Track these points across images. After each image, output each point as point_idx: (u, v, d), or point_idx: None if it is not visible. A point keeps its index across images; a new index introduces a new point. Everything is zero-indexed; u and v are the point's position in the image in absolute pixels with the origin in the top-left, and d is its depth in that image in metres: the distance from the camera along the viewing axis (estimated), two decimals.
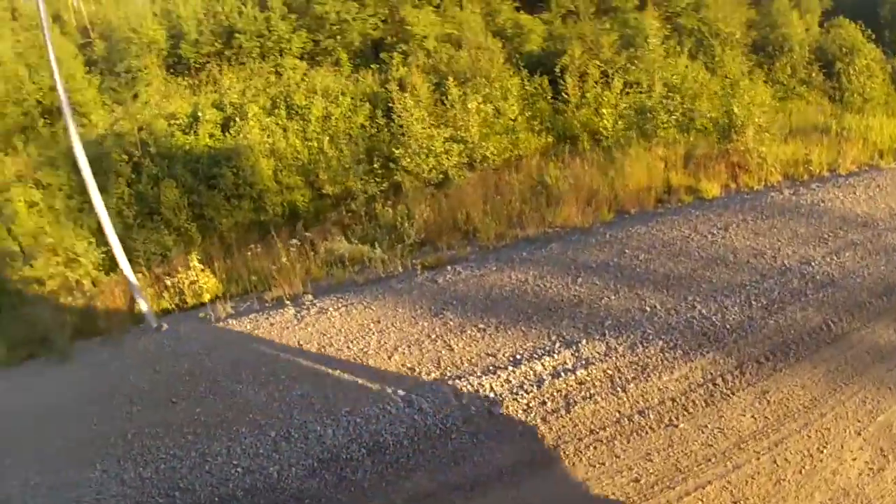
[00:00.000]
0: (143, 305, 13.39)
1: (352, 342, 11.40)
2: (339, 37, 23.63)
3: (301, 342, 11.56)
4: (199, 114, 20.38)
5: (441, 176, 17.05)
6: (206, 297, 14.06)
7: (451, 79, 18.88)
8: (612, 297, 11.90)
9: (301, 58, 23.78)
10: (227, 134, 19.64)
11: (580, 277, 12.55)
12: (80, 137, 13.61)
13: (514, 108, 18.99)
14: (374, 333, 11.54)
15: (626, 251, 13.28)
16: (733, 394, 9.57)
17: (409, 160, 17.04)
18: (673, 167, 16.44)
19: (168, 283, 14.43)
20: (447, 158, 17.19)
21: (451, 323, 11.57)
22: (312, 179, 18.48)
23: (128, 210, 17.19)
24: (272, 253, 14.83)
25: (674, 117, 18.67)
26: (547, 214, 15.07)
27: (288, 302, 12.98)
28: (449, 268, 13.52)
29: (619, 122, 18.38)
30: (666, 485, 8.18)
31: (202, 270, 14.41)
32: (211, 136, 20.01)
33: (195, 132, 20.05)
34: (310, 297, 13.17)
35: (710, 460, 8.47)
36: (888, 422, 8.82)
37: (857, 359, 10.12)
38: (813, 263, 12.55)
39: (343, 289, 13.35)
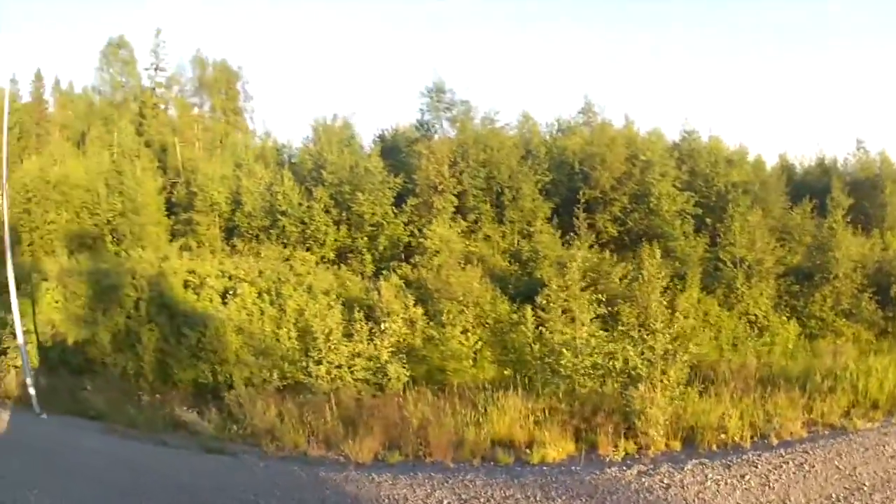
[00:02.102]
0: None
1: None
2: (369, 237, 24.33)
3: None
4: (208, 279, 21.53)
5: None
6: None
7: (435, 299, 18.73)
8: None
9: (336, 252, 24.86)
10: (224, 302, 20.40)
11: None
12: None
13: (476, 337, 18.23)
14: None
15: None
16: None
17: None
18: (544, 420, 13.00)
19: None
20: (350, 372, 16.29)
21: None
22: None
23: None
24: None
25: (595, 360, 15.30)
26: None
27: None
28: None
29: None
30: None
31: None
32: (210, 300, 20.88)
33: (197, 293, 21.18)
34: None
35: None
36: None
37: None
38: None
39: None
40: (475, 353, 18.26)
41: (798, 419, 12.87)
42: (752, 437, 12.27)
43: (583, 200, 23.71)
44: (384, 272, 22.09)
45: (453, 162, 24.96)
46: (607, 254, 21.39)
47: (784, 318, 20.75)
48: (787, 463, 10.40)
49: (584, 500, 9.43)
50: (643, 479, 10.13)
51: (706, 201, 25.41)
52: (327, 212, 25.31)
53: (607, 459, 11.67)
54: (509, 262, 22.29)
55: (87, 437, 14.38)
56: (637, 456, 11.80)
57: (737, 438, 12.13)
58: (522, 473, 10.94)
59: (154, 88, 40.49)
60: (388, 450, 12.39)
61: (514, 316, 18.42)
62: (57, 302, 22.20)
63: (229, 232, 27.98)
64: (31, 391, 16.02)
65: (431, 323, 18.47)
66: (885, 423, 13.27)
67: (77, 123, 40.53)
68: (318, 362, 16.09)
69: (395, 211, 24.65)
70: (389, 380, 16.03)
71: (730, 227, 22.21)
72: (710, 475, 10.03)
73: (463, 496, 9.76)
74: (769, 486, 9.46)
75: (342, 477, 10.92)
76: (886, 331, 21.32)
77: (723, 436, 12.23)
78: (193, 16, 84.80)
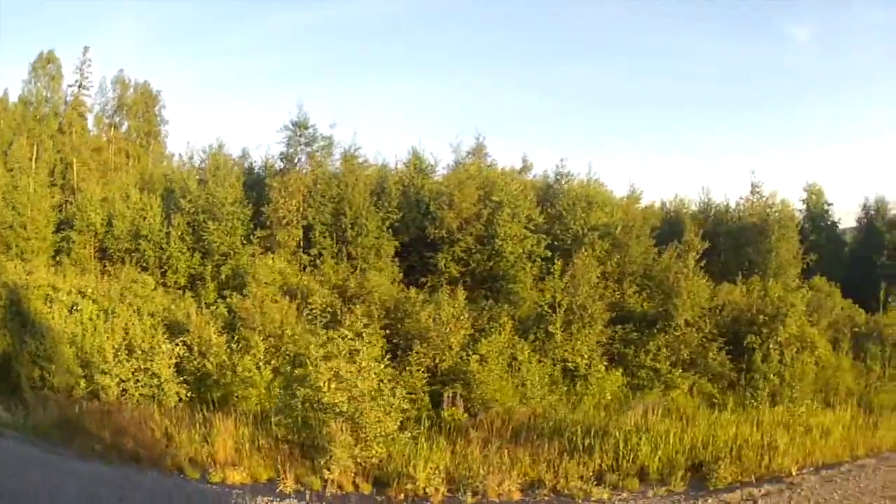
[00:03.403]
0: None
1: None
2: (215, 266, 24.71)
3: None
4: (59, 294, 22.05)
5: None
6: None
7: None
8: None
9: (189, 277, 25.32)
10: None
11: None
12: None
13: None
14: None
15: None
16: None
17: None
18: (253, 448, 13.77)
19: None
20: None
21: None
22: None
23: None
24: None
25: None
26: None
27: None
28: None
29: None
30: None
31: None
32: (58, 313, 21.31)
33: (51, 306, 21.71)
34: None
35: None
36: None
37: None
38: None
39: None
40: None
41: (516, 480, 12.14)
42: (447, 492, 11.88)
43: (429, 240, 24.10)
44: (219, 300, 22.52)
45: (306, 196, 25.33)
46: (413, 292, 21.30)
47: (603, 367, 20.00)
48: None
49: None
50: None
51: (560, 244, 25.49)
52: (183, 239, 25.75)
53: (277, 490, 12.05)
54: (337, 297, 22.42)
55: None
56: (317, 492, 12.01)
57: (429, 490, 11.77)
58: (188, 486, 12.05)
59: (75, 106, 41.12)
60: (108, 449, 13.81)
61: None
62: None
63: (104, 252, 28.46)
64: None
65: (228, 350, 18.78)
66: (636, 495, 12.24)
67: (7, 133, 41.21)
68: (106, 373, 17.15)
69: (245, 242, 25.02)
70: (166, 396, 16.91)
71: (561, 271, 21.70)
72: None
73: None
74: None
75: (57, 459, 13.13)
76: (739, 383, 20.68)
77: (410, 486, 11.90)
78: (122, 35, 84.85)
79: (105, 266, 27.45)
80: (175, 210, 26.82)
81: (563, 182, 29.15)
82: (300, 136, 26.92)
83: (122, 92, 43.62)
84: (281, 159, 27.71)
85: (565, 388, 19.20)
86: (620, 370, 20.39)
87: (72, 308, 21.56)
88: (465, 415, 16.52)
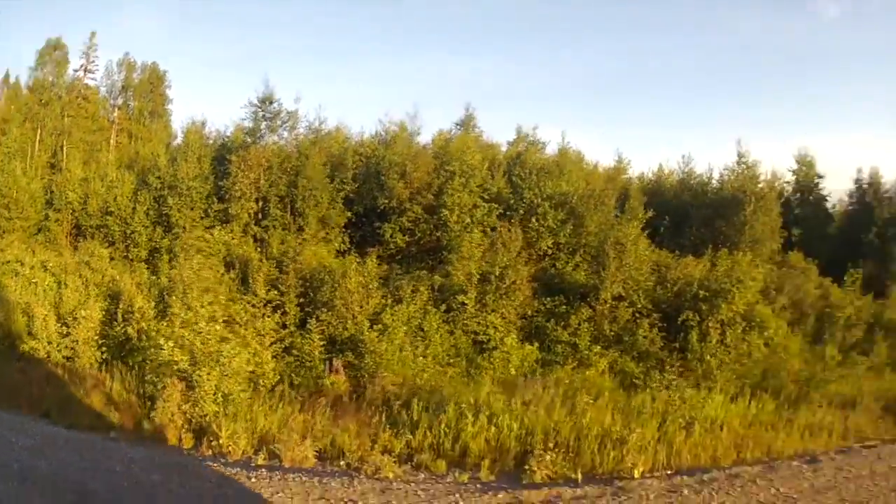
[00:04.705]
0: None
1: None
2: (172, 239, 25.38)
3: None
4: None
5: None
6: None
7: None
8: None
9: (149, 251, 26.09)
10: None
11: None
12: None
13: None
14: None
15: None
16: None
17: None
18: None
19: None
20: None
21: None
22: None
23: None
24: None
25: None
26: None
27: None
28: None
29: None
30: None
31: None
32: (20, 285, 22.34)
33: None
34: None
35: None
36: None
37: None
38: None
39: None
40: None
41: (311, 446, 11.89)
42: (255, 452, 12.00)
43: (380, 210, 24.26)
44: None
45: (266, 170, 25.73)
46: (339, 261, 21.18)
47: (515, 340, 19.13)
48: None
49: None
50: None
51: (513, 214, 24.83)
52: (147, 214, 26.50)
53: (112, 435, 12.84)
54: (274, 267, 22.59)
55: None
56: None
57: (231, 448, 12.05)
58: (65, 432, 12.56)
59: (80, 90, 42.44)
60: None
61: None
62: None
63: (79, 229, 29.44)
64: None
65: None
66: (432, 478, 11.29)
67: (18, 118, 42.88)
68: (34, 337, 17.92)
69: (203, 216, 25.62)
70: (80, 358, 17.58)
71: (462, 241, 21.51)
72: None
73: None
74: None
75: None
76: (669, 364, 18.75)
77: (216, 443, 12.20)
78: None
79: (77, 242, 28.43)
80: (143, 187, 27.59)
81: (531, 151, 28.82)
82: (265, 111, 27.41)
83: (127, 73, 44.85)
84: (246, 134, 28.13)
85: (467, 362, 18.49)
86: (537, 344, 19.51)
87: (31, 281, 22.76)
88: (347, 384, 16.35)
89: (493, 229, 23.71)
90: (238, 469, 10.88)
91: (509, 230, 21.72)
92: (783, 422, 14.62)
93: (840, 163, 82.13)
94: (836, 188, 37.30)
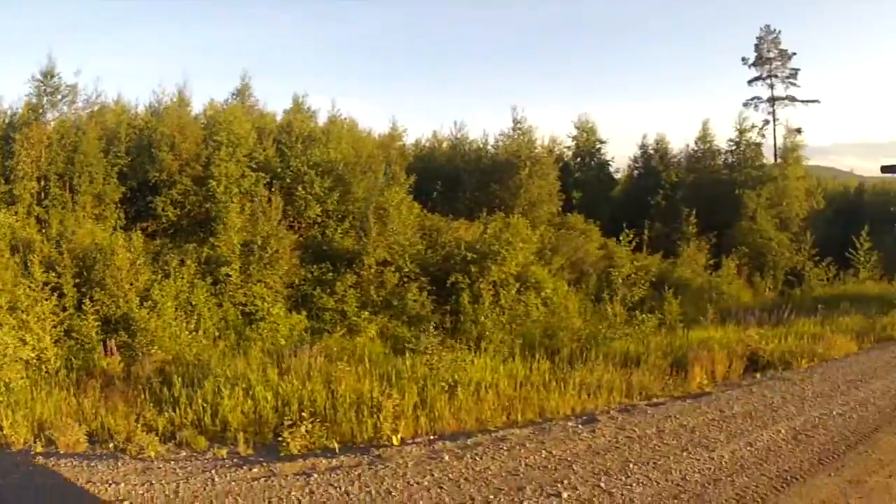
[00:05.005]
0: None
1: None
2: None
3: None
4: None
5: None
6: None
7: None
8: None
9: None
10: None
11: None
12: None
13: None
14: None
15: None
16: None
17: None
18: None
19: None
20: None
21: None
22: None
23: None
24: None
25: None
26: None
27: None
28: None
29: None
30: None
31: None
32: None
33: None
34: None
35: None
36: None
37: None
38: None
39: None
40: None
41: (80, 431, 11.72)
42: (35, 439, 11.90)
43: (152, 184, 24.97)
44: None
45: (48, 147, 25.61)
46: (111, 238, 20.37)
47: (282, 310, 19.67)
48: None
49: None
50: None
51: (281, 183, 25.49)
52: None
53: None
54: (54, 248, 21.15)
55: None
56: None
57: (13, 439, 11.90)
58: None
59: None
60: None
61: None
62: None
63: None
64: None
65: None
66: (192, 455, 11.07)
67: None
68: None
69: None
70: None
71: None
72: None
73: None
74: None
75: None
76: (444, 327, 19.06)
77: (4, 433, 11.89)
78: None
79: None
80: None
81: (300, 119, 29.42)
82: (46, 86, 26.58)
83: None
84: (30, 111, 26.83)
85: (236, 334, 18.84)
86: (305, 313, 20.29)
87: None
88: (122, 364, 16.24)
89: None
90: (19, 458, 10.99)
91: (269, 199, 22.41)
92: (558, 382, 13.95)
93: (627, 131, 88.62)
94: (622, 154, 41.48)
